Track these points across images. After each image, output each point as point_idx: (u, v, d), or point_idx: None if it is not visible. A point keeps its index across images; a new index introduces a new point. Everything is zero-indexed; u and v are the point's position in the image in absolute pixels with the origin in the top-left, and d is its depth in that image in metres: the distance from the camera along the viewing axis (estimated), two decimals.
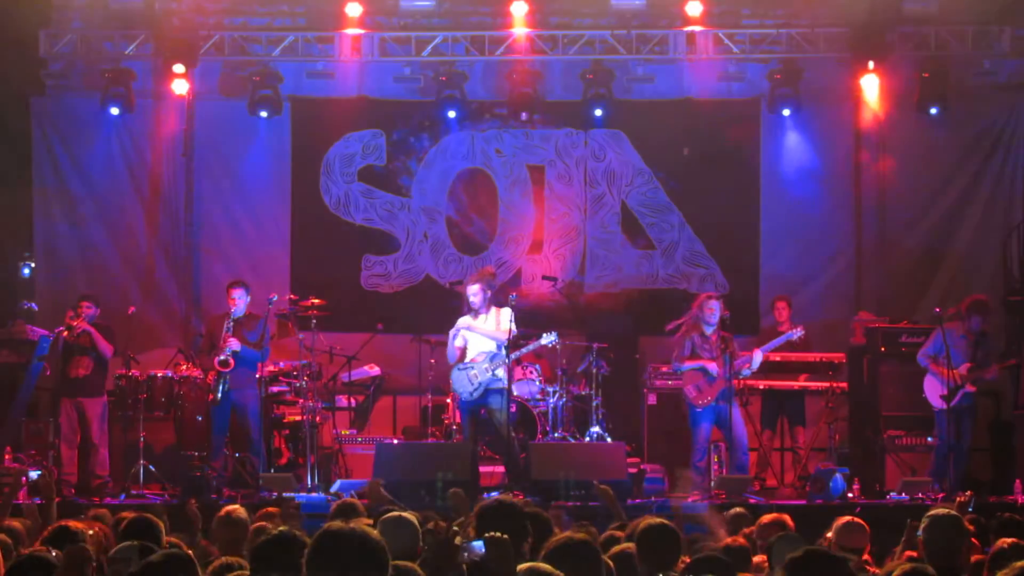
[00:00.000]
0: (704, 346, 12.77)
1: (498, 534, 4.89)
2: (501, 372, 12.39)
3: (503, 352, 12.36)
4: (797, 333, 13.24)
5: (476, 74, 16.02)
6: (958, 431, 12.76)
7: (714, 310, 12.74)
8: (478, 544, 4.94)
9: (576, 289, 16.01)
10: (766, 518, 7.29)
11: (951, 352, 12.61)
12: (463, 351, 12.54)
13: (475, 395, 12.44)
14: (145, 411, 13.45)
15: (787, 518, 7.28)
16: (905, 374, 13.38)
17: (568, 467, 12.34)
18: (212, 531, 7.29)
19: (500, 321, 12.42)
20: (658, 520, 6.10)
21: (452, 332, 12.61)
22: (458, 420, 13.88)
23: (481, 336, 12.45)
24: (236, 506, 7.43)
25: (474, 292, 12.51)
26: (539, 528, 5.85)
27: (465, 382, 12.45)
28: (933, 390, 12.86)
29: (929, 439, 13.16)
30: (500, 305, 12.59)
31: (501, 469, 13.12)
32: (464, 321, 12.57)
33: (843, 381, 13.97)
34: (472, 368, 12.40)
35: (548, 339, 12.82)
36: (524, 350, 12.88)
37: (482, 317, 12.49)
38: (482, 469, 12.78)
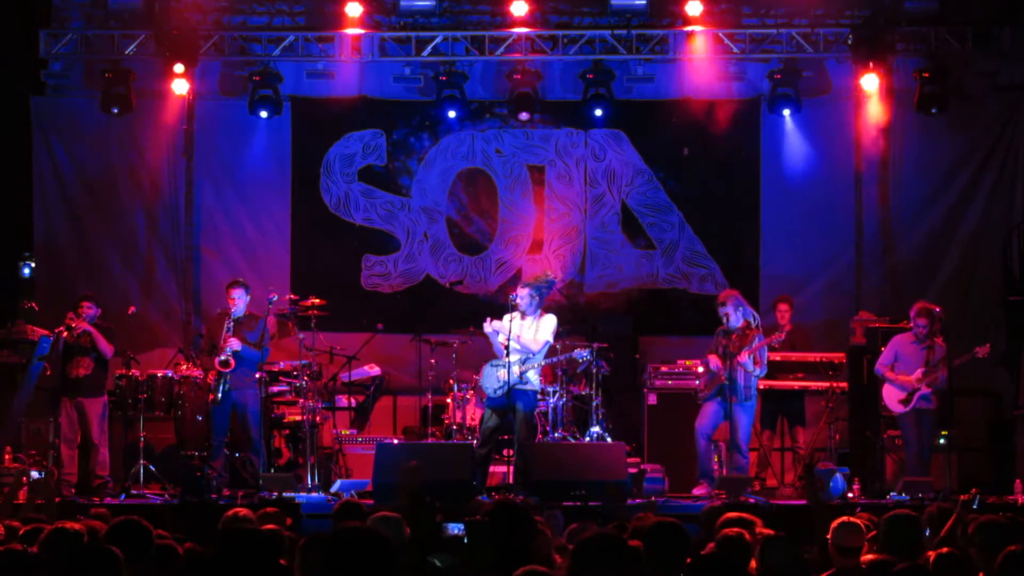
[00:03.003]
0: (721, 343, 12.84)
1: (478, 517, 4.94)
2: (532, 375, 12.43)
3: (534, 357, 12.40)
4: (777, 340, 13.28)
5: (476, 74, 16.02)
6: (919, 434, 12.91)
7: (728, 315, 12.77)
8: (457, 526, 5.05)
9: (576, 289, 16.01)
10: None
11: (902, 360, 12.98)
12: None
13: (499, 393, 12.41)
14: (145, 411, 13.47)
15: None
16: None
17: (568, 467, 12.35)
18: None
19: (539, 328, 12.44)
20: (667, 519, 6.11)
21: (491, 331, 12.58)
22: (458, 420, 13.90)
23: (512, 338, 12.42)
24: (241, 508, 7.47)
25: (522, 296, 12.51)
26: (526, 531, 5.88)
27: (493, 379, 12.45)
28: (891, 396, 13.07)
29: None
30: (548, 310, 12.66)
31: (502, 469, 13.13)
32: (504, 323, 12.52)
33: (843, 381, 13.98)
34: (502, 367, 12.39)
35: (581, 355, 12.92)
36: (555, 359, 12.88)
37: (528, 320, 12.47)
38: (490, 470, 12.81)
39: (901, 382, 12.93)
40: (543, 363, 12.69)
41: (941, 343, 12.94)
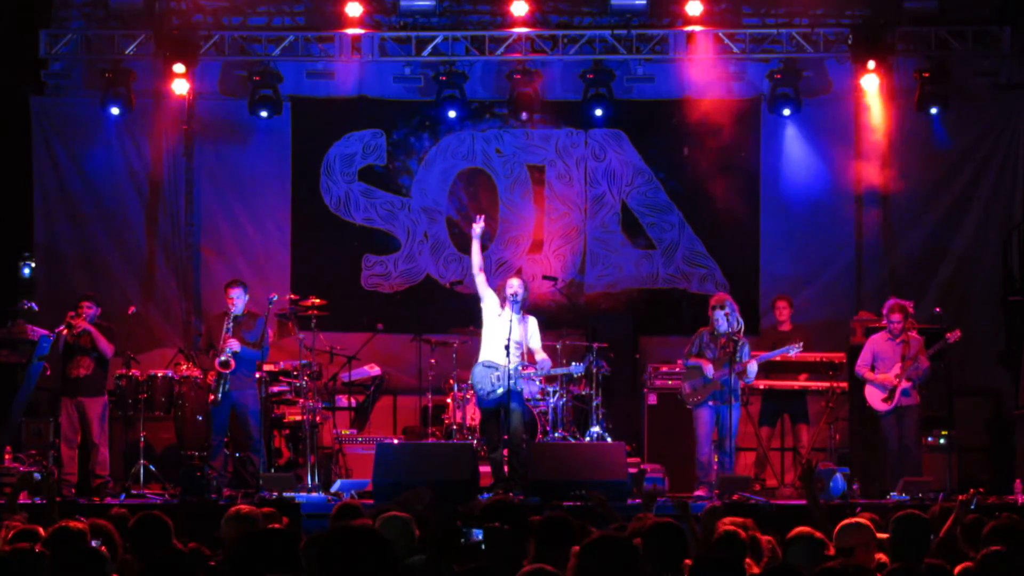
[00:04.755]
0: (710, 345, 12.79)
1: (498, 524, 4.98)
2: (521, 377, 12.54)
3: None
4: (795, 349, 13.23)
5: (476, 74, 16.02)
6: (901, 432, 12.94)
7: (719, 321, 12.72)
8: (478, 531, 5.10)
9: (576, 289, 16.02)
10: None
11: (880, 359, 13.04)
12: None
13: (493, 396, 12.40)
14: (145, 411, 13.47)
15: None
16: None
17: (568, 467, 12.35)
18: (222, 531, 7.28)
19: (531, 335, 12.50)
20: (665, 519, 6.11)
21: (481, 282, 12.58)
22: (458, 419, 13.90)
23: (512, 338, 12.41)
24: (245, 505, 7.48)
25: (519, 285, 12.51)
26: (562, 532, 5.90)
27: (487, 381, 12.40)
28: (873, 396, 13.11)
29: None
30: (549, 311, 12.79)
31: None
32: (495, 306, 12.51)
33: (843, 381, 13.98)
34: (497, 369, 12.38)
35: (576, 369, 13.02)
36: (551, 371, 12.91)
37: (515, 318, 12.47)
38: (482, 469, 12.76)
39: (880, 381, 13.01)
40: (540, 375, 12.80)
41: (916, 336, 13.01)
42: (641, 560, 5.32)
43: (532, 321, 12.63)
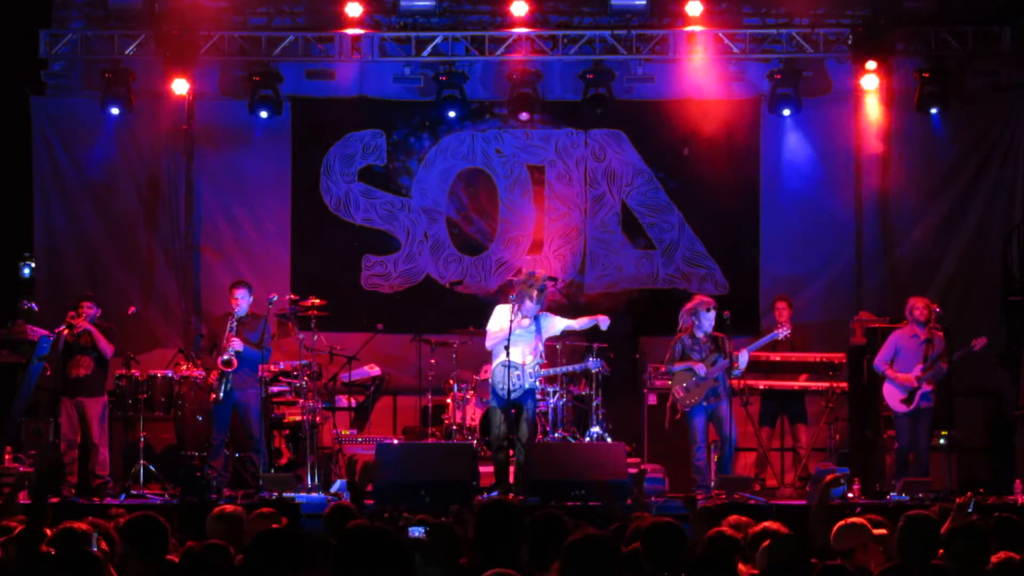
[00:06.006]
0: (694, 347, 12.74)
1: (443, 519, 5.00)
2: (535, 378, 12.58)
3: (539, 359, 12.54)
4: (783, 332, 13.21)
5: (476, 74, 16.02)
6: (915, 433, 12.90)
7: (707, 321, 12.69)
8: (418, 529, 5.16)
9: (576, 289, 16.02)
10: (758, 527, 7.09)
11: (902, 356, 12.95)
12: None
13: (512, 395, 12.36)
14: (145, 411, 13.46)
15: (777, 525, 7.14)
16: None
17: (568, 467, 12.34)
18: (207, 530, 7.29)
19: (547, 327, 12.54)
20: (664, 519, 6.11)
21: (499, 328, 12.44)
22: (458, 420, 13.88)
23: (532, 342, 12.43)
24: (229, 504, 7.47)
25: (532, 299, 12.49)
26: (554, 529, 5.90)
27: (507, 380, 12.33)
28: (892, 395, 13.02)
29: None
30: (549, 310, 12.80)
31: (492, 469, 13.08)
32: (504, 313, 12.48)
33: (843, 381, 13.97)
34: (518, 368, 12.36)
35: (594, 365, 13.05)
36: (566, 368, 12.92)
37: (529, 322, 12.48)
38: (482, 469, 12.77)
39: (901, 381, 12.91)
40: (557, 373, 12.81)
41: (941, 337, 12.94)
42: (622, 559, 5.33)
43: (545, 317, 12.62)
